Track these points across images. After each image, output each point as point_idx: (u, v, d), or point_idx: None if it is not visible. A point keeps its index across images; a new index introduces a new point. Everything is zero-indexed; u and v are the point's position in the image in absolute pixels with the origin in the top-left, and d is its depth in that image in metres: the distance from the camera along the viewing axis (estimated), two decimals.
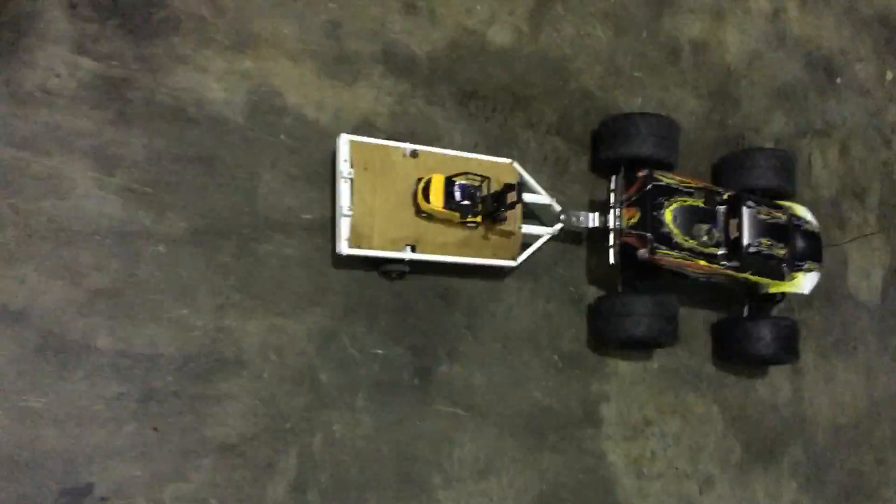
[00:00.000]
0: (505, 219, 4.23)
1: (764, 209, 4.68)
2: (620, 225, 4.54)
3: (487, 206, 4.13)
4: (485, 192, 4.18)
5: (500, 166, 4.40)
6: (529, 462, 4.67)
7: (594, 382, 4.97)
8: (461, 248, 4.23)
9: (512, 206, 4.11)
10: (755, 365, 5.48)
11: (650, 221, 4.41)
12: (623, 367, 5.07)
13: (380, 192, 4.02)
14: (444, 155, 4.27)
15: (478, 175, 4.18)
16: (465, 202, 4.07)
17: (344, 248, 3.94)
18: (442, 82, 4.71)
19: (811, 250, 4.97)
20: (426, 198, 4.03)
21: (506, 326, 4.71)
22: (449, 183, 4.08)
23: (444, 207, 4.04)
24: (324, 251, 4.18)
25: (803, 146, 6.06)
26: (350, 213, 3.94)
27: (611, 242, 4.62)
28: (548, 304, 4.84)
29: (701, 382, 5.33)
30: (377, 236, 3.99)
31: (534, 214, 4.92)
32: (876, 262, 6.38)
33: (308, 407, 4.09)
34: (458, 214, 4.09)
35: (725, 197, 4.69)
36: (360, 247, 3.96)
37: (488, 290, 4.63)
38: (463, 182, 4.11)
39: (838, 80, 6.34)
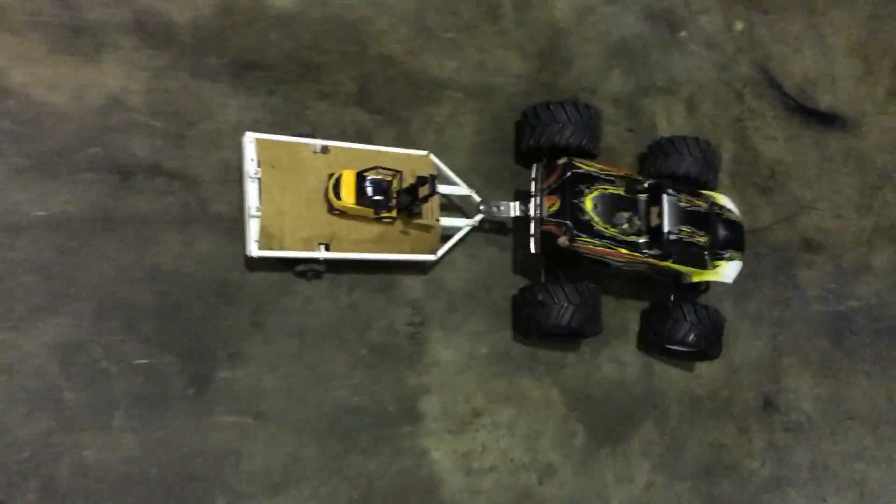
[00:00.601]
0: (421, 212, 4.08)
1: (685, 197, 4.63)
2: (541, 214, 4.40)
3: (401, 201, 4.02)
4: (398, 186, 4.02)
5: (416, 159, 4.28)
6: (336, 469, 4.16)
7: (412, 375, 4.48)
8: (378, 245, 4.11)
9: (425, 199, 3.99)
10: (680, 357, 5.34)
11: (570, 209, 4.31)
12: (446, 357, 4.58)
13: (289, 190, 3.88)
14: (357, 149, 4.12)
15: (389, 169, 4.01)
16: (378, 197, 3.96)
17: (253, 249, 3.79)
18: (211, 53, 4.13)
19: (733, 239, 4.90)
20: (337, 195, 3.90)
21: (302, 321, 4.19)
22: (360, 178, 3.95)
23: (357, 203, 3.92)
24: (65, 251, 3.63)
25: (645, 106, 5.65)
26: (258, 213, 3.80)
27: (531, 231, 4.47)
28: (352, 295, 4.34)
29: (537, 365, 4.87)
30: (288, 236, 3.85)
31: (456, 207, 4.68)
32: None
33: (50, 431, 3.53)
34: (371, 210, 3.96)
35: (646, 185, 4.62)
36: (270, 248, 3.82)
37: (278, 283, 4.13)
38: (375, 177, 3.97)
39: (682, 34, 5.95)
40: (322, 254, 3.97)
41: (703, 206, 4.73)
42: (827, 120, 6.48)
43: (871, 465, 6.04)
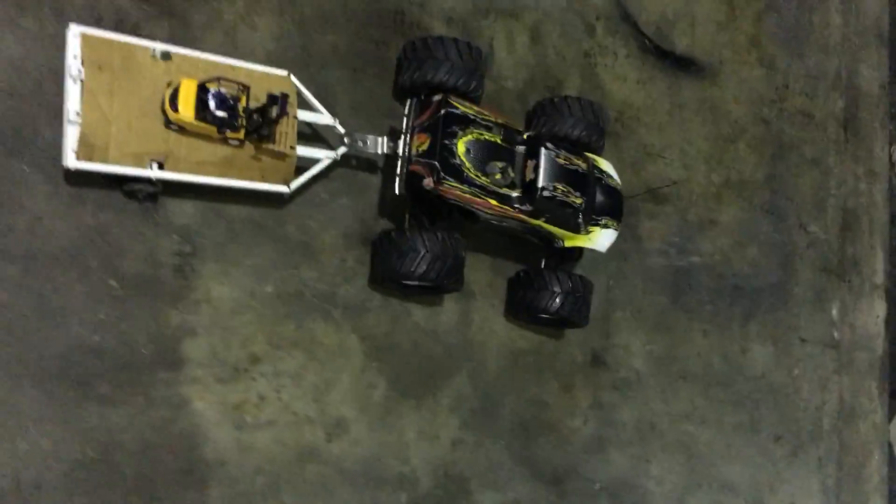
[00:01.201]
0: (272, 137, 3.61)
1: (563, 154, 4.33)
2: (409, 152, 4.06)
3: (251, 122, 3.53)
4: (245, 104, 3.53)
5: (274, 78, 3.78)
6: (64, 420, 3.46)
7: (174, 314, 3.78)
8: (222, 168, 3.61)
9: (275, 120, 3.54)
10: (548, 325, 5.02)
11: (440, 150, 3.95)
12: (220, 293, 3.90)
13: (119, 97, 3.37)
14: (205, 60, 3.60)
15: (236, 82, 3.51)
16: (222, 114, 3.45)
17: (70, 160, 3.29)
18: None
19: (611, 206, 4.62)
20: (174, 107, 3.40)
21: (30, 244, 3.46)
22: (202, 90, 3.43)
23: (196, 119, 3.42)
24: None
25: (483, 29, 5.07)
26: (79, 119, 3.29)
27: (398, 171, 4.13)
28: (99, 215, 3.60)
29: (335, 308, 4.26)
30: (114, 148, 3.35)
31: (319, 137, 4.14)
32: None
33: None
34: (214, 129, 3.46)
35: (525, 137, 4.31)
36: (90, 160, 3.31)
37: None
38: (219, 90, 3.46)
39: None
40: (153, 172, 3.47)
41: (583, 166, 4.43)
42: (683, 64, 6.05)
43: (700, 427, 5.76)
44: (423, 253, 4.02)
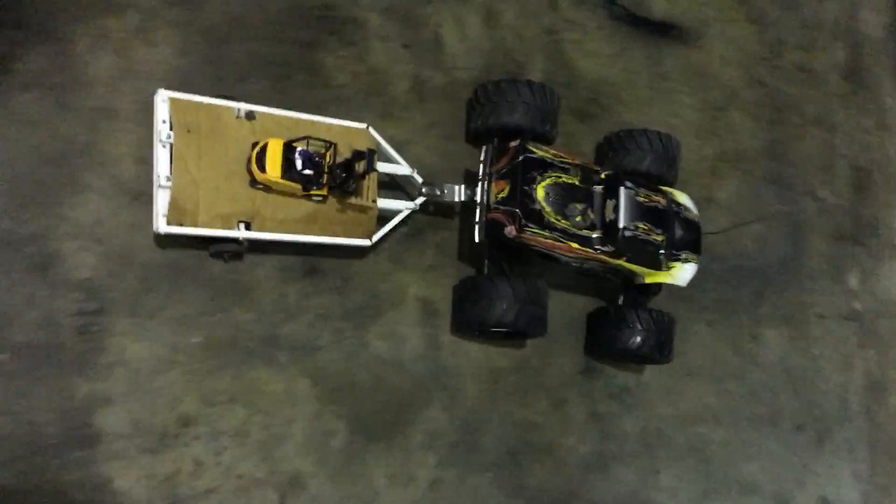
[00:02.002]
0: (355, 191, 3.55)
1: (643, 191, 4.16)
2: (488, 199, 3.93)
3: (334, 177, 3.46)
4: (331, 160, 3.46)
5: (353, 132, 3.70)
6: None
7: (81, 382, 3.25)
8: (306, 225, 3.55)
9: (362, 176, 3.50)
10: (629, 361, 4.77)
11: (520, 196, 3.82)
12: (136, 352, 3.32)
13: (207, 159, 3.32)
14: (287, 117, 3.55)
15: (323, 140, 3.44)
16: (308, 171, 3.39)
17: (161, 225, 3.22)
18: None
19: (690, 240, 4.41)
20: (261, 166, 3.35)
21: None
22: (288, 149, 3.39)
23: (283, 177, 3.37)
24: None
25: (427, 16, 4.41)
26: (169, 183, 3.22)
27: (476, 218, 3.99)
28: None
29: (278, 351, 3.68)
30: (203, 211, 3.29)
31: (395, 185, 4.00)
32: None
33: None
34: (299, 186, 3.40)
35: (603, 176, 4.15)
36: (181, 224, 3.26)
37: None
38: (305, 148, 3.41)
39: None
40: (242, 233, 3.42)
41: (662, 202, 4.27)
42: (662, 30, 5.35)
43: (712, 427, 5.13)
44: (509, 299, 3.88)
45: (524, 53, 4.74)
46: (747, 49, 5.65)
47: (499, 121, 4.02)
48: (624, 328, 4.38)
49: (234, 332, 3.61)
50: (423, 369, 4.12)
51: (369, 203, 3.65)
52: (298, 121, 3.58)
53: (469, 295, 4.01)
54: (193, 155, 3.31)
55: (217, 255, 3.53)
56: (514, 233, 3.81)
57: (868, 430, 5.82)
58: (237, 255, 3.56)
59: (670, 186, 4.57)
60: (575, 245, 3.97)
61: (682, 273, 4.39)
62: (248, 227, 3.43)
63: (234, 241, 3.44)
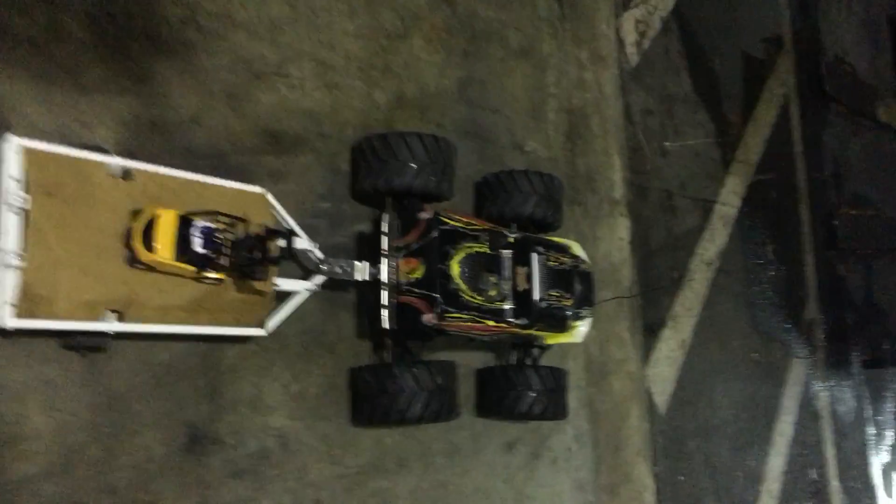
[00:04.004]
0: (262, 275, 2.82)
1: (552, 254, 3.75)
2: (397, 279, 3.28)
3: (240, 258, 2.76)
4: (233, 236, 2.79)
5: (248, 197, 2.97)
6: None
7: None
8: (191, 314, 2.77)
9: (276, 260, 2.89)
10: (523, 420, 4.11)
11: (438, 279, 3.27)
12: None
13: (72, 230, 2.51)
14: (172, 177, 2.75)
15: (230, 216, 2.79)
16: (205, 252, 2.66)
17: (8, 318, 2.39)
18: None
19: (587, 294, 3.95)
20: (148, 245, 2.57)
21: None
22: (185, 223, 2.65)
23: (178, 260, 2.60)
24: None
25: None
26: (20, 262, 2.40)
27: (384, 301, 3.30)
28: None
29: None
30: (63, 298, 2.48)
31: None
32: None
33: None
34: (193, 268, 2.67)
35: (512, 240, 3.65)
36: (33, 315, 2.43)
37: None
38: (206, 224, 2.70)
39: None
40: (112, 325, 2.57)
41: (569, 262, 3.84)
42: None
43: (397, 475, 3.70)
44: (415, 392, 3.29)
45: None
46: None
47: (390, 184, 3.38)
48: (518, 389, 3.84)
49: None
50: None
51: (267, 286, 2.92)
52: (185, 182, 2.80)
53: (371, 388, 3.34)
54: (55, 225, 2.46)
55: (72, 349, 2.69)
56: (433, 320, 3.23)
57: (588, 428, 4.74)
58: (98, 349, 2.71)
59: (554, 230, 4.12)
60: (491, 323, 3.48)
61: (581, 330, 4.01)
62: (120, 318, 2.61)
63: (100, 333, 2.60)
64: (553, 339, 3.98)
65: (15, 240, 2.41)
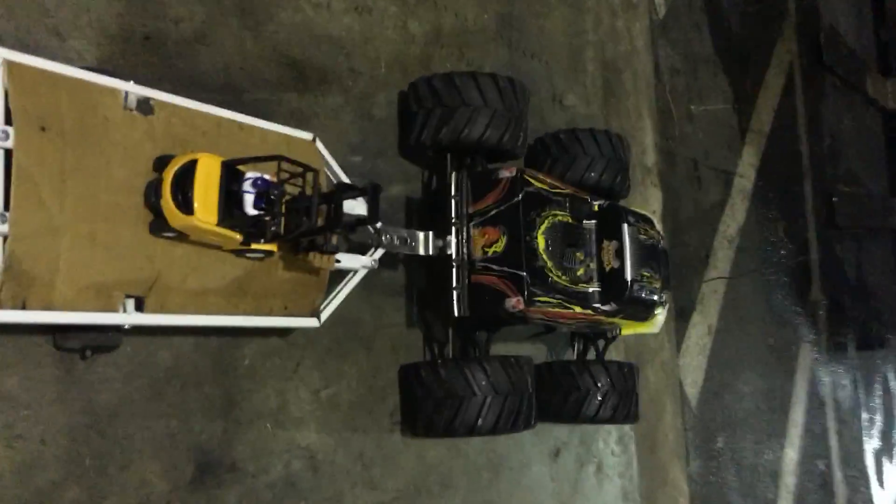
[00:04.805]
0: (328, 248, 2.07)
1: (641, 225, 3.14)
2: (470, 254, 2.65)
3: (307, 224, 1.93)
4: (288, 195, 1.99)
5: (294, 143, 2.24)
6: None
7: None
8: (231, 300, 2.05)
9: (353, 227, 2.18)
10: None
11: (524, 253, 2.61)
12: None
13: (75, 182, 1.72)
14: (203, 113, 2.01)
15: (298, 164, 1.95)
16: (258, 213, 1.90)
17: None
18: None
19: (668, 276, 3.36)
20: (183, 203, 1.78)
21: None
22: (231, 174, 1.86)
23: (221, 224, 1.82)
24: None
25: None
26: (4, 227, 1.61)
27: (454, 283, 2.67)
28: None
29: None
30: (64, 281, 1.71)
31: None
32: None
33: None
34: (240, 237, 1.89)
35: (596, 208, 3.00)
36: (24, 304, 1.65)
37: None
38: (260, 175, 1.90)
39: None
40: (132, 317, 1.83)
41: (657, 237, 3.22)
42: None
43: (441, 496, 3.03)
44: (489, 395, 2.61)
45: None
46: None
47: (457, 133, 2.70)
48: (584, 388, 3.22)
49: None
50: None
51: (326, 263, 2.15)
52: (219, 121, 2.00)
53: (431, 392, 2.66)
54: (51, 174, 1.65)
55: (71, 350, 1.85)
56: (520, 305, 2.58)
57: (628, 429, 4.16)
58: (105, 349, 1.90)
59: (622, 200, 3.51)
60: (578, 309, 2.87)
61: (661, 318, 3.46)
62: (139, 306, 1.81)
63: (110, 328, 1.82)
64: (629, 329, 3.45)
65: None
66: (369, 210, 2.16)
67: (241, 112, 2.18)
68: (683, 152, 5.19)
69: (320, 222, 2.00)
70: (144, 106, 1.91)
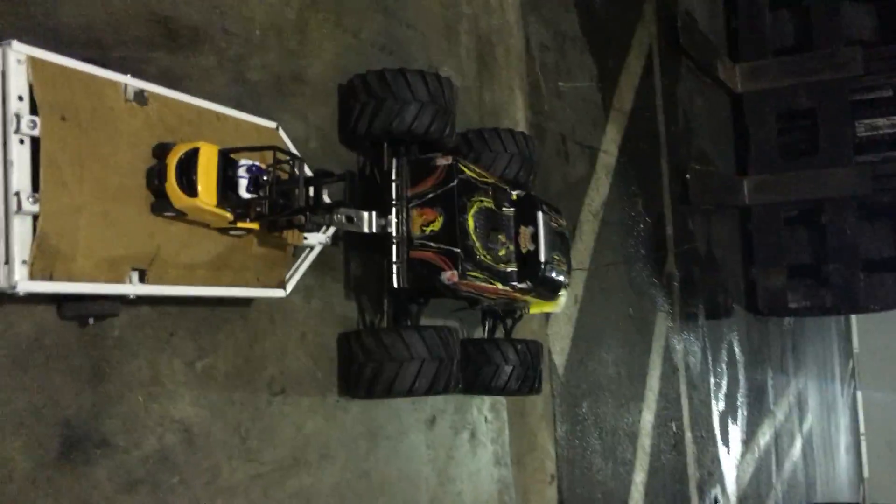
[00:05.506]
0: (304, 226, 2.47)
1: (552, 215, 3.57)
2: (408, 232, 2.97)
3: (297, 205, 2.33)
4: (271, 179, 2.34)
5: (260, 131, 2.56)
6: None
7: None
8: (214, 273, 2.35)
9: (331, 207, 2.54)
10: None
11: (459, 232, 2.95)
12: None
13: (91, 167, 2.00)
14: (187, 104, 2.31)
15: (287, 153, 2.39)
16: (249, 196, 2.26)
17: (21, 279, 1.85)
18: None
19: (570, 259, 3.82)
20: (188, 186, 2.11)
21: None
22: (226, 163, 2.20)
23: (219, 205, 2.18)
24: None
25: None
26: (35, 206, 1.87)
27: (394, 258, 2.99)
28: None
29: None
30: (84, 254, 1.98)
31: None
32: None
33: None
34: (231, 216, 2.22)
35: (515, 197, 3.42)
36: (52, 276, 1.91)
37: None
38: (252, 162, 2.28)
39: None
40: (137, 287, 2.12)
41: (564, 224, 3.69)
42: None
43: (320, 468, 3.05)
44: (424, 359, 2.91)
45: None
46: None
47: (388, 124, 3.02)
48: (495, 363, 3.53)
49: None
50: None
51: (297, 239, 2.55)
52: (201, 111, 2.31)
53: (371, 356, 2.92)
54: (72, 159, 1.92)
55: (77, 318, 2.08)
56: (454, 278, 2.91)
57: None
58: (103, 317, 2.15)
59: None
60: (500, 286, 3.22)
61: (563, 300, 3.84)
62: (142, 278, 2.09)
63: (114, 298, 2.06)
64: (536, 308, 3.85)
65: (27, 177, 1.88)
66: (346, 193, 2.53)
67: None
68: (553, 127, 5.41)
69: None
70: (140, 97, 2.16)
